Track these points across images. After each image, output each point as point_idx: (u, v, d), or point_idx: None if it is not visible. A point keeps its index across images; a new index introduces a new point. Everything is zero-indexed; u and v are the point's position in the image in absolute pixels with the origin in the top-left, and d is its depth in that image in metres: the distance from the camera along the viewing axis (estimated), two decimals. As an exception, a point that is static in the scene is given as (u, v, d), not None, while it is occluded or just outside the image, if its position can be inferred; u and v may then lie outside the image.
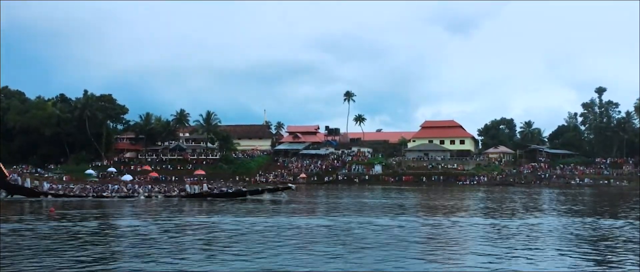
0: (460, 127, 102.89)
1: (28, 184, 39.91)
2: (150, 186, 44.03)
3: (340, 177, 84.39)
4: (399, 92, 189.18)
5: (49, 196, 37.39)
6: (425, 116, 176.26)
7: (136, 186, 42.86)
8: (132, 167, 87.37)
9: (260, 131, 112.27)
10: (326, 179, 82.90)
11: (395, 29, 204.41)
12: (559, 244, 16.34)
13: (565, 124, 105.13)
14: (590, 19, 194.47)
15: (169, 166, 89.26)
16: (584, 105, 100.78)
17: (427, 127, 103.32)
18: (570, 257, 14.03)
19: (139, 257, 13.67)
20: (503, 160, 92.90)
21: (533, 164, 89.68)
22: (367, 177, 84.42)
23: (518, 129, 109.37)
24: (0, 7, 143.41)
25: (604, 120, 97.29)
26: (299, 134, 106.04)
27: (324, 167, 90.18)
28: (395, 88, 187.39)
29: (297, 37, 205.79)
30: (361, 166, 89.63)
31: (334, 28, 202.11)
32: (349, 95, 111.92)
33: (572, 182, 79.71)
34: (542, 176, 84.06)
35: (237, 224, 21.54)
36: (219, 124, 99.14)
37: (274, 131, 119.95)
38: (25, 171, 72.47)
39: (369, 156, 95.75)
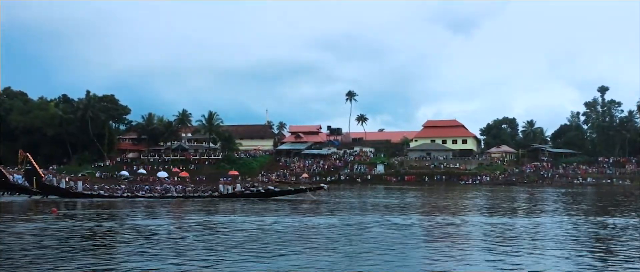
0: (463, 126, 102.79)
1: (63, 184, 40.18)
2: (180, 186, 43.91)
3: (342, 177, 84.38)
4: (400, 92, 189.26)
5: (84, 197, 37.74)
6: (427, 116, 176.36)
7: (169, 186, 42.83)
8: (135, 168, 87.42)
9: (262, 131, 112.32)
10: (328, 179, 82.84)
11: (396, 28, 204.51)
12: (563, 243, 16.31)
13: (568, 123, 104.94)
14: (592, 18, 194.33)
15: (172, 166, 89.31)
16: (587, 104, 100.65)
17: (429, 126, 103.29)
18: (574, 256, 14.00)
19: (175, 256, 13.83)
20: (505, 159, 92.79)
21: (535, 163, 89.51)
22: (369, 177, 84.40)
23: (520, 129, 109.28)
24: (0, 7, 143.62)
25: (607, 119, 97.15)
26: (301, 134, 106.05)
27: (326, 167, 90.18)
28: (396, 88, 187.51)
29: (297, 36, 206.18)
30: (363, 165, 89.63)
31: (335, 28, 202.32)
32: (351, 95, 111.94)
33: (575, 181, 79.56)
34: (545, 175, 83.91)
35: (275, 224, 21.62)
36: (221, 124, 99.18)
37: (276, 131, 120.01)
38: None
39: (371, 155, 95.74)
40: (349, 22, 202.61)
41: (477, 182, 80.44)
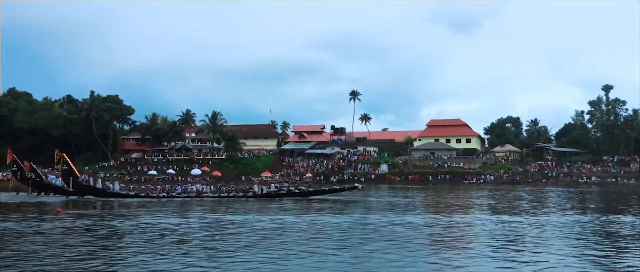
0: (466, 125, 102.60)
1: (99, 185, 40.45)
2: (212, 186, 43.92)
3: (346, 177, 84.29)
4: (402, 91, 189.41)
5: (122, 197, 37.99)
6: (430, 115, 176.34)
7: (204, 186, 42.98)
8: (139, 168, 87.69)
9: (266, 131, 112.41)
10: (332, 178, 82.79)
11: (398, 28, 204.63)
12: (569, 242, 16.28)
13: (572, 122, 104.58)
14: (594, 16, 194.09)
15: (175, 166, 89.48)
16: (591, 103, 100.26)
17: (433, 126, 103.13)
18: (582, 254, 13.98)
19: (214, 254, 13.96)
20: (509, 159, 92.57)
21: (540, 162, 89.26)
22: (373, 176, 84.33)
23: (524, 128, 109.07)
24: (0, 8, 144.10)
25: (611, 118, 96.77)
26: (304, 134, 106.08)
27: (330, 166, 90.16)
28: (398, 87, 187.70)
29: (300, 36, 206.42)
30: (367, 165, 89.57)
31: (336, 27, 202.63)
32: (354, 95, 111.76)
33: (580, 180, 79.33)
34: (549, 174, 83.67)
35: (310, 223, 21.70)
36: (224, 124, 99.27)
37: (279, 131, 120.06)
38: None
39: (375, 155, 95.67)
40: (350, 22, 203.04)
41: (481, 181, 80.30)
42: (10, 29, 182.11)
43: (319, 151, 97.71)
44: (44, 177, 44.03)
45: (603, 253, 14.43)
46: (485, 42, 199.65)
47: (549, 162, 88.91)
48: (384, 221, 22.41)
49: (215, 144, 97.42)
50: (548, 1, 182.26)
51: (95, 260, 13.06)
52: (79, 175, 40.81)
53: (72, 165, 41.03)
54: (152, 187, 43.34)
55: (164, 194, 39.12)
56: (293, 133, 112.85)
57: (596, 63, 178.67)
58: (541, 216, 25.07)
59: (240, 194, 39.29)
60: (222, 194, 39.12)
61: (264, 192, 39.08)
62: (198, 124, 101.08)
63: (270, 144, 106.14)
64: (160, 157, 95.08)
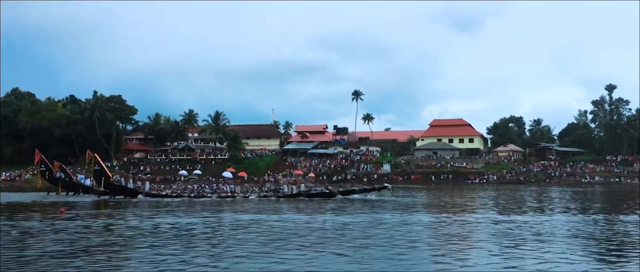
0: (469, 125, 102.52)
1: (131, 185, 40.69)
2: (239, 187, 44.00)
3: (349, 177, 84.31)
4: (405, 91, 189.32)
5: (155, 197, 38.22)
6: (432, 115, 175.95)
7: (234, 187, 43.03)
8: (142, 168, 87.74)
9: (268, 131, 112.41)
10: (335, 178, 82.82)
11: (400, 27, 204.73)
12: (572, 242, 16.25)
13: (575, 121, 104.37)
14: (597, 16, 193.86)
15: (178, 166, 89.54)
16: (594, 102, 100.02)
17: (435, 125, 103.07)
18: (582, 254, 13.96)
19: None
20: (512, 158, 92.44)
21: (543, 162, 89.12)
22: (375, 176, 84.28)
23: (527, 127, 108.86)
24: (0, 8, 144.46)
25: (615, 118, 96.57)
26: (307, 134, 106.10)
27: (332, 166, 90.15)
28: (401, 87, 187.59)
29: (302, 36, 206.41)
30: (370, 165, 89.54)
31: (339, 27, 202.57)
32: (357, 94, 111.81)
33: (583, 180, 79.18)
34: (552, 174, 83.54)
35: (349, 223, 21.83)
36: (227, 124, 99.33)
37: (282, 131, 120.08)
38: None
39: (378, 155, 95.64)
40: (353, 22, 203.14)
41: (484, 181, 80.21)
42: (13, 29, 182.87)
43: (321, 151, 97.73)
44: (74, 177, 44.47)
45: (606, 253, 14.42)
46: (488, 41, 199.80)
47: (552, 162, 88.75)
48: (393, 220, 22.44)
49: (217, 144, 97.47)
50: (551, 1, 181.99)
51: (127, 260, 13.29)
52: (110, 175, 41.11)
53: (103, 165, 41.33)
54: (183, 187, 43.35)
55: (195, 194, 39.22)
56: (296, 133, 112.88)
57: (599, 62, 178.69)
58: (544, 216, 25.04)
59: (271, 194, 39.35)
60: (252, 194, 39.20)
61: (294, 192, 39.09)
62: (201, 124, 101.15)
63: (273, 144, 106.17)
64: (163, 157, 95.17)
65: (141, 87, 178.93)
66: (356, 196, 38.73)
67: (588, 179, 79.66)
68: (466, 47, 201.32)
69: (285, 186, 42.16)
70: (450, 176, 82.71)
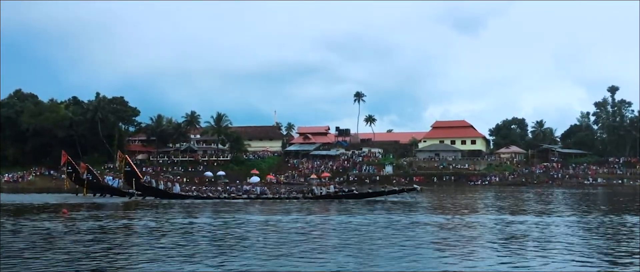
0: (471, 127, 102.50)
1: (161, 186, 40.84)
2: (267, 188, 44.05)
3: (351, 178, 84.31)
4: (407, 92, 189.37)
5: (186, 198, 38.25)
6: (434, 116, 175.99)
7: (264, 188, 43.01)
8: (144, 169, 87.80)
9: (270, 132, 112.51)
10: (337, 180, 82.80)
11: (402, 28, 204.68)
12: (575, 242, 16.24)
13: (578, 123, 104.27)
14: (599, 16, 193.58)
15: (180, 168, 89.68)
16: (597, 104, 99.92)
17: (437, 127, 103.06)
18: (585, 255, 13.95)
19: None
20: (515, 160, 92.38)
21: (545, 163, 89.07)
22: (378, 177, 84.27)
23: (530, 129, 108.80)
24: (0, 8, 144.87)
25: (617, 119, 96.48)
26: (309, 135, 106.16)
27: (334, 168, 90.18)
28: (403, 88, 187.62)
29: (304, 37, 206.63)
30: (372, 166, 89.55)
31: (341, 28, 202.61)
32: (359, 96, 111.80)
33: (585, 182, 79.09)
34: (555, 175, 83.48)
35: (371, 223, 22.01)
36: (229, 125, 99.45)
37: (284, 132, 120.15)
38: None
39: (380, 156, 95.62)
40: (355, 23, 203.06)
41: (487, 182, 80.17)
42: (16, 30, 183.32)
43: (323, 153, 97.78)
44: (101, 179, 44.64)
45: (608, 254, 14.40)
46: (490, 42, 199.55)
47: (554, 164, 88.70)
48: (395, 220, 22.46)
49: (220, 146, 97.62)
50: (553, 1, 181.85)
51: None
52: (141, 176, 41.24)
53: (134, 166, 41.46)
54: (213, 188, 43.41)
55: (226, 195, 39.26)
56: (298, 134, 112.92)
57: (601, 63, 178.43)
58: (546, 217, 25.01)
59: (300, 195, 39.47)
60: (282, 196, 39.28)
61: (324, 193, 39.20)
62: (203, 125, 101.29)
63: (275, 146, 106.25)
64: (166, 158, 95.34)
65: (143, 89, 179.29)
66: (384, 198, 38.53)
67: (590, 181, 79.57)
68: (468, 48, 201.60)
69: (314, 187, 42.14)
70: (453, 178, 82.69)
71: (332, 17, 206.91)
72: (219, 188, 43.24)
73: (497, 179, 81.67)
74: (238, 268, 12.12)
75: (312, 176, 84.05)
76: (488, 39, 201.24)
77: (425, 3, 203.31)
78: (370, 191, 41.22)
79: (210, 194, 39.76)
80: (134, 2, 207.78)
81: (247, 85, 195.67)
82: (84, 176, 44.58)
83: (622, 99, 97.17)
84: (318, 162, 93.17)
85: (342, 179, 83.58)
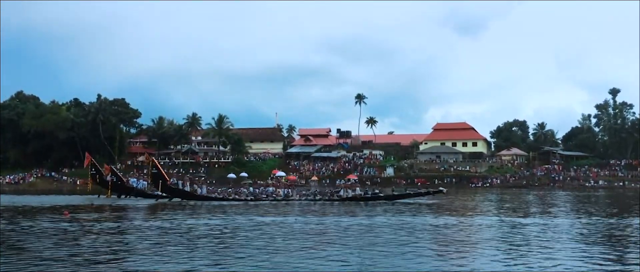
0: (473, 129, 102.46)
1: (188, 188, 40.97)
2: (289, 190, 43.98)
3: (352, 180, 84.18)
4: (408, 94, 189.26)
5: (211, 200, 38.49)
6: (435, 118, 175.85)
7: (290, 190, 43.09)
8: (145, 172, 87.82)
9: (272, 134, 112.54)
10: (338, 182, 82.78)
11: (404, 30, 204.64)
12: (576, 244, 16.23)
13: (579, 125, 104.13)
14: (601, 19, 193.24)
15: (182, 169, 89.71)
16: (598, 106, 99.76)
17: (439, 129, 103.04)
18: (587, 257, 13.94)
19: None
20: (516, 162, 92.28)
21: (546, 166, 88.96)
22: (379, 179, 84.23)
23: (531, 131, 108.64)
24: (0, 9, 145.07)
25: (619, 121, 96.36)
26: (310, 137, 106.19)
27: (335, 169, 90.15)
28: (404, 90, 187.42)
29: (306, 39, 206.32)
30: (373, 168, 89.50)
31: (343, 30, 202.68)
32: (360, 98, 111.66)
33: (587, 184, 79.00)
34: (556, 177, 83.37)
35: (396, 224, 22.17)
36: (230, 127, 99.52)
37: (285, 134, 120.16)
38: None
39: (381, 158, 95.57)
40: (356, 25, 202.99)
41: (488, 184, 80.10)
42: (17, 32, 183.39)
43: (325, 155, 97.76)
44: (125, 181, 44.77)
45: (610, 255, 14.39)
46: (491, 44, 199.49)
47: (555, 166, 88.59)
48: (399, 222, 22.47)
49: (221, 147, 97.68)
50: (554, 1, 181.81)
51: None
52: (167, 178, 41.38)
53: (161, 169, 41.63)
54: (239, 190, 43.43)
55: (252, 197, 39.27)
56: (299, 136, 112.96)
57: (603, 66, 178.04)
58: (548, 218, 25.00)
59: (327, 198, 39.44)
60: (308, 198, 39.23)
61: (350, 195, 39.19)
62: (204, 127, 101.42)
63: (276, 148, 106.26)
64: (167, 160, 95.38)
65: (145, 91, 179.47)
66: (410, 200, 38.50)
67: (592, 183, 79.47)
68: (469, 50, 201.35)
69: (341, 189, 42.16)
70: (454, 180, 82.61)
71: (334, 19, 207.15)
72: (244, 190, 43.18)
73: (499, 181, 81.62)
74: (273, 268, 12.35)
75: (313, 178, 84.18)
76: (489, 41, 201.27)
77: (427, 5, 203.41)
78: (396, 193, 41.03)
79: (237, 196, 39.85)
80: (135, 3, 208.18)
81: (248, 87, 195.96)
82: (108, 178, 44.69)
83: (623, 102, 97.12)
84: (319, 164, 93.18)
85: (343, 181, 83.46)
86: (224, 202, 37.16)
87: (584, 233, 19.34)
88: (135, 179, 46.23)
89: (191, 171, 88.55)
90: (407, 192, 41.59)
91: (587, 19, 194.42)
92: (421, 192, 40.50)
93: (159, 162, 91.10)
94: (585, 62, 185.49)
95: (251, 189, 43.75)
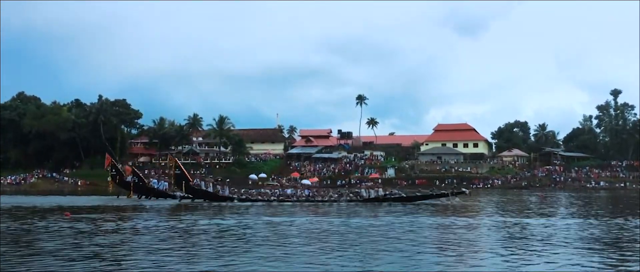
0: (474, 130, 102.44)
1: (211, 188, 41.04)
2: (311, 191, 43.91)
3: (353, 181, 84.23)
4: (409, 95, 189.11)
5: (234, 201, 38.45)
6: (436, 118, 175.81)
7: (309, 191, 42.88)
8: (146, 172, 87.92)
9: (273, 135, 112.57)
10: (339, 182, 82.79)
11: (404, 31, 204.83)
12: (577, 245, 16.19)
13: (580, 126, 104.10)
14: (602, 19, 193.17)
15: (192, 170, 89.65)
16: (599, 107, 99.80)
17: (440, 130, 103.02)
18: (587, 257, 13.91)
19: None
20: (517, 163, 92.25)
21: (548, 167, 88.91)
22: (380, 180, 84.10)
23: (532, 132, 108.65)
24: (0, 10, 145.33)
25: (620, 122, 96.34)
26: (311, 138, 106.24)
27: (336, 170, 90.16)
28: (405, 90, 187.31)
29: (306, 40, 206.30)
30: (374, 169, 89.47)
31: (343, 30, 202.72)
32: (361, 99, 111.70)
33: (588, 185, 78.94)
34: (557, 179, 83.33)
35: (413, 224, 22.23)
36: (231, 128, 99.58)
37: (286, 135, 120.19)
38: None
39: (382, 159, 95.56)
40: (357, 25, 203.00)
41: (489, 185, 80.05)
42: (18, 33, 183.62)
43: (325, 155, 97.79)
44: (147, 181, 44.76)
45: (611, 255, 14.35)
46: (492, 44, 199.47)
47: (556, 167, 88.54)
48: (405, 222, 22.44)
49: (222, 148, 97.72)
50: (555, 1, 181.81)
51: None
52: (190, 179, 41.41)
53: (184, 170, 41.65)
54: (263, 191, 43.39)
55: (274, 198, 39.30)
56: (300, 137, 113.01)
57: (604, 66, 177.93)
58: (549, 219, 24.96)
59: (348, 198, 39.32)
60: (331, 199, 39.20)
61: (372, 196, 39.21)
62: (205, 128, 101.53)
63: (277, 148, 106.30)
64: (168, 161, 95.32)
65: (146, 91, 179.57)
66: (433, 201, 38.37)
67: (593, 184, 79.42)
68: (470, 50, 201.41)
69: (363, 190, 42.10)
70: (455, 181, 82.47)
71: (334, 19, 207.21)
72: (268, 190, 43.00)
73: (500, 182, 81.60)
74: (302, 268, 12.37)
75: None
76: (489, 41, 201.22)
77: (427, 5, 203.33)
78: (418, 194, 40.78)
79: (259, 197, 39.79)
80: (135, 3, 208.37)
81: (249, 88, 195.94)
82: (129, 179, 44.66)
83: (624, 102, 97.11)
84: (320, 165, 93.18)
85: (343, 182, 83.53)
86: (248, 203, 37.09)
87: (585, 234, 19.30)
88: (156, 180, 46.13)
89: (192, 172, 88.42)
90: (430, 193, 41.35)
91: (587, 19, 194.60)
92: (444, 194, 40.03)
93: (160, 163, 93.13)
94: (586, 62, 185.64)
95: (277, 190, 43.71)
